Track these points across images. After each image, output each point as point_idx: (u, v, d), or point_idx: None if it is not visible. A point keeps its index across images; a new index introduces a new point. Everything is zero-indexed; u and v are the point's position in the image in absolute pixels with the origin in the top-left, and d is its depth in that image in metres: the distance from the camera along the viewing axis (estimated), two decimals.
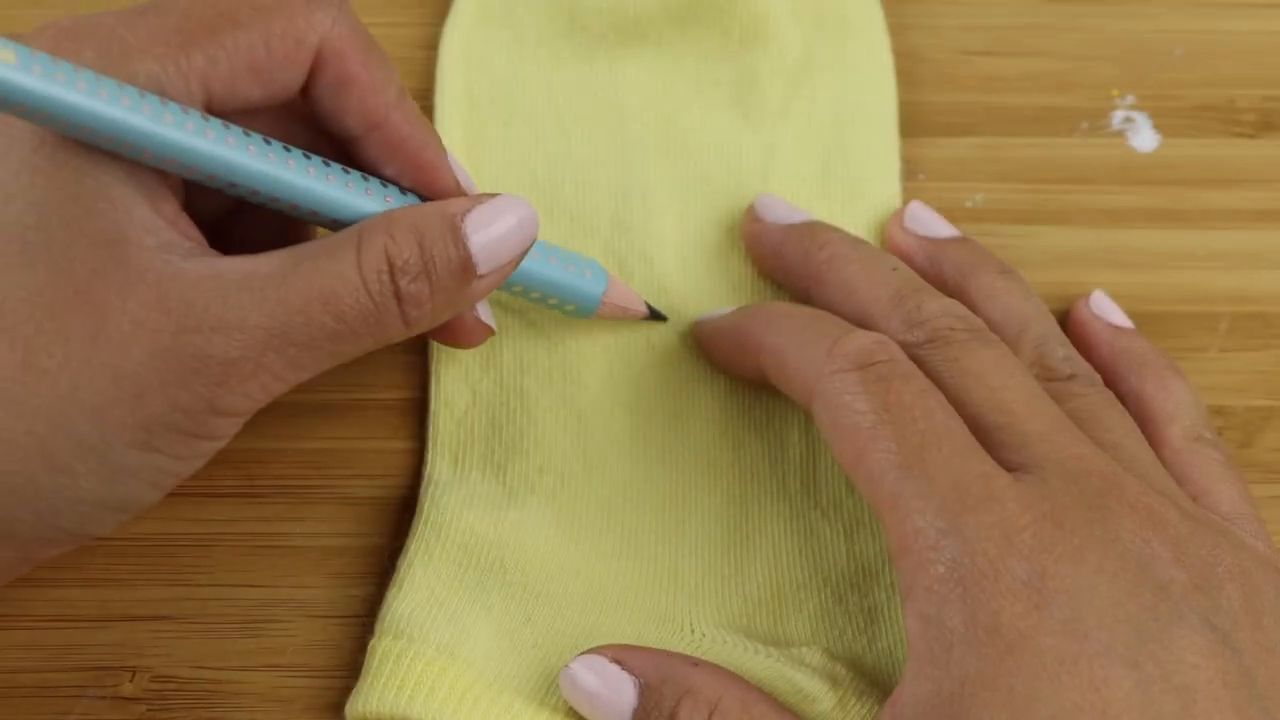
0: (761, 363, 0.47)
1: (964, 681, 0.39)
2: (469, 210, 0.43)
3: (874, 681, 0.44)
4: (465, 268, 0.42)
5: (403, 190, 0.44)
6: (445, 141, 0.52)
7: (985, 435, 0.43)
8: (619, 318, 0.49)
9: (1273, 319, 0.51)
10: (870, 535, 0.48)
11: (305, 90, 0.43)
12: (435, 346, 0.50)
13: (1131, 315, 0.50)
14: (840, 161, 0.52)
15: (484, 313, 0.46)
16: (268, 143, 0.42)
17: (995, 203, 0.53)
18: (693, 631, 0.46)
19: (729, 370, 0.49)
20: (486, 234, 0.43)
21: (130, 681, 0.46)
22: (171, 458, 0.40)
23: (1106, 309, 0.50)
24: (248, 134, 0.41)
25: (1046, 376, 0.46)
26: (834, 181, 0.52)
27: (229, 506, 0.48)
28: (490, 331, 0.46)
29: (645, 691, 0.43)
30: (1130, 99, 0.54)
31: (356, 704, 0.44)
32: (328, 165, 0.43)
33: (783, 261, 0.50)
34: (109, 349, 0.39)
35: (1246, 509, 0.45)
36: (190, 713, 0.45)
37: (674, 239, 0.51)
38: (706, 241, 0.51)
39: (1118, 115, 0.54)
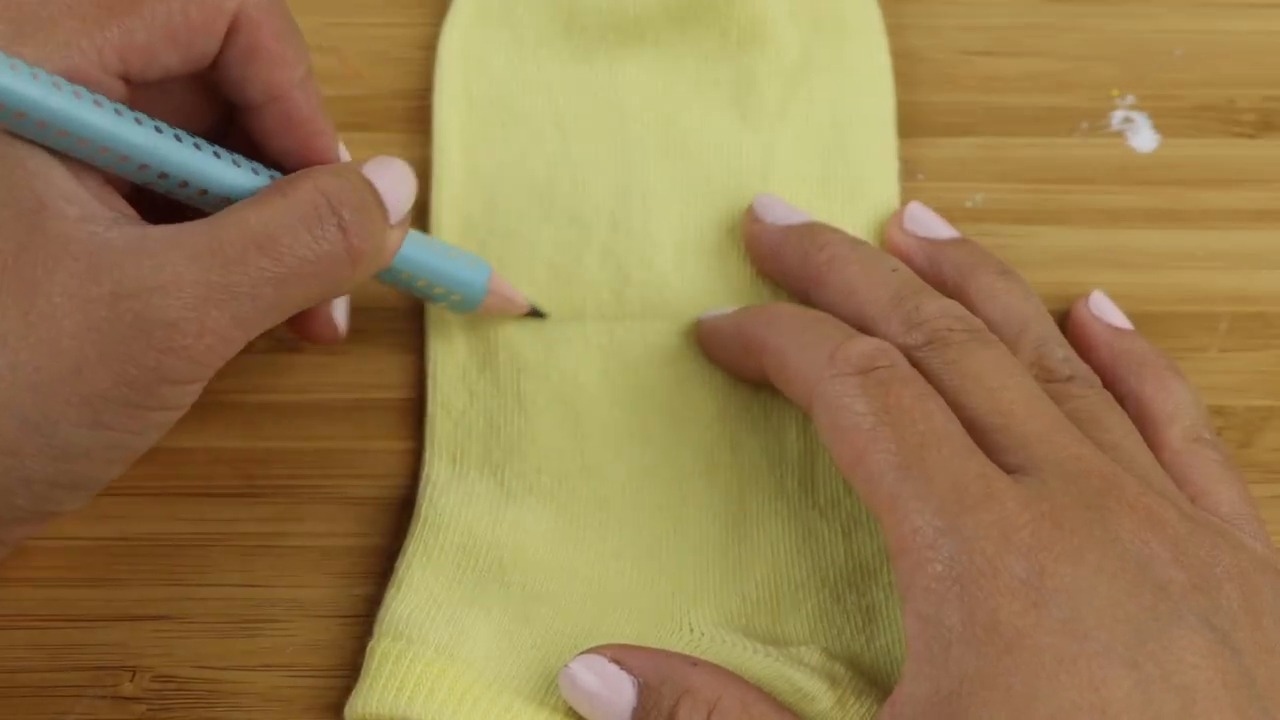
0: (763, 363, 0.47)
1: (962, 680, 0.39)
2: (363, 164, 0.43)
3: (872, 680, 0.45)
4: (384, 211, 0.43)
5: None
6: (445, 141, 0.52)
7: (985, 437, 0.43)
8: (504, 311, 0.49)
9: (1273, 319, 0.51)
10: (868, 534, 0.48)
11: (216, 59, 0.43)
12: (431, 346, 0.49)
13: (1131, 315, 0.50)
14: (839, 162, 0.52)
15: (339, 310, 0.47)
16: (155, 121, 0.41)
17: (995, 203, 0.53)
18: (691, 631, 0.46)
19: (730, 369, 0.49)
20: (384, 180, 0.43)
21: (130, 681, 0.46)
22: (123, 432, 0.40)
23: (1106, 310, 0.50)
24: (135, 112, 0.41)
25: (1045, 378, 0.46)
26: (833, 182, 0.52)
27: (229, 506, 0.48)
28: (338, 334, 0.46)
29: (644, 691, 0.43)
30: (1130, 99, 0.54)
31: (356, 705, 0.44)
32: (214, 145, 0.43)
33: (782, 262, 0.50)
34: (42, 324, 0.38)
35: (1246, 510, 0.45)
36: (190, 712, 0.45)
37: (672, 239, 0.51)
38: (705, 242, 0.51)
39: (1117, 115, 0.54)
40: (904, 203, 0.52)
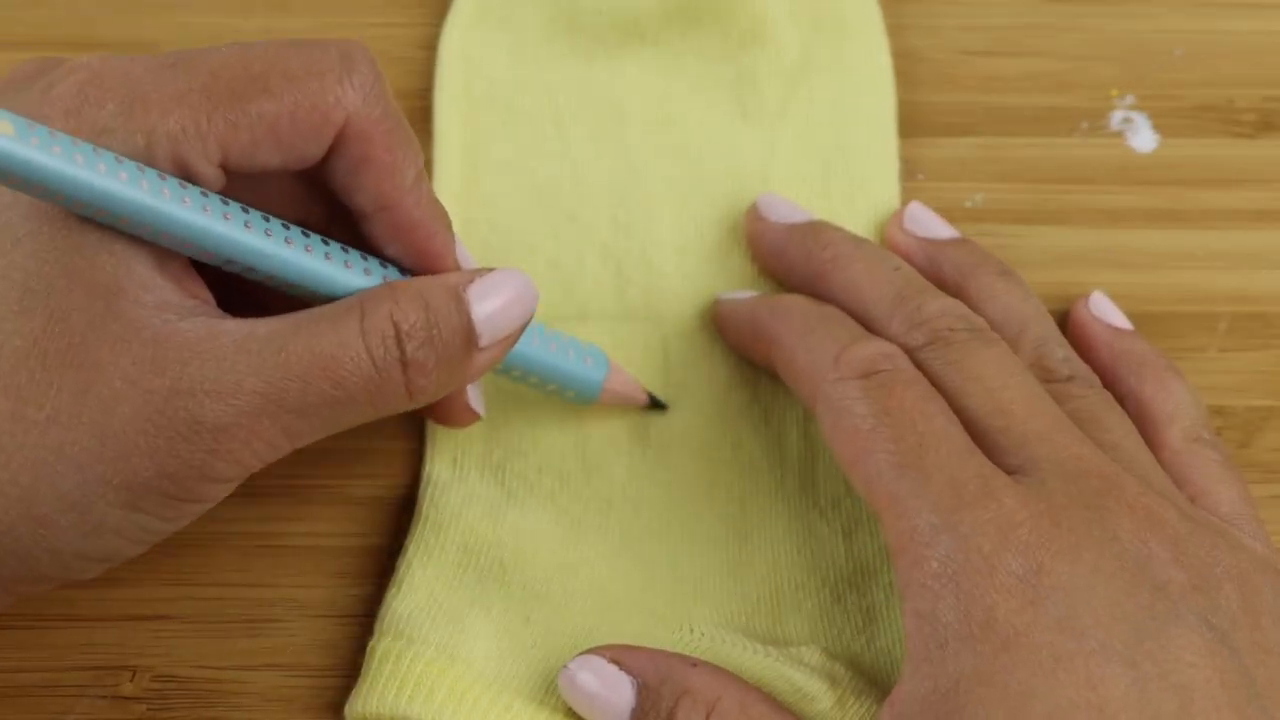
0: (771, 355, 0.47)
1: (960, 678, 0.39)
2: (471, 281, 0.42)
3: (873, 681, 0.44)
4: (469, 338, 0.42)
5: (402, 271, 0.43)
6: (445, 141, 0.52)
7: (985, 437, 0.43)
8: (621, 405, 0.49)
9: (1272, 319, 0.51)
10: (869, 535, 0.48)
11: (323, 160, 0.42)
12: None
13: (1131, 315, 0.50)
14: (839, 162, 0.52)
15: (474, 397, 0.46)
16: (266, 219, 0.41)
17: (995, 203, 0.53)
18: (691, 631, 0.46)
19: (741, 352, 0.50)
20: (488, 304, 0.42)
21: (130, 681, 0.46)
22: (156, 518, 0.40)
23: (1106, 310, 0.50)
24: (246, 210, 0.41)
25: (1045, 378, 0.46)
26: (833, 181, 0.52)
27: (229, 506, 0.47)
28: (477, 416, 0.46)
29: (644, 692, 0.43)
30: (1130, 99, 0.54)
31: (356, 704, 0.44)
32: (327, 244, 0.42)
33: (785, 260, 0.50)
34: (98, 406, 0.38)
35: (1245, 510, 0.45)
36: (190, 712, 0.45)
37: (673, 239, 0.51)
38: (705, 241, 0.51)
39: (1117, 115, 0.54)
40: (904, 203, 0.52)
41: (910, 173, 0.53)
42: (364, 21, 0.54)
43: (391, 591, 0.45)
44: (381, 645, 0.44)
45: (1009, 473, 0.42)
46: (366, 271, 0.42)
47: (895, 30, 0.54)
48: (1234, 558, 0.42)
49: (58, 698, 0.45)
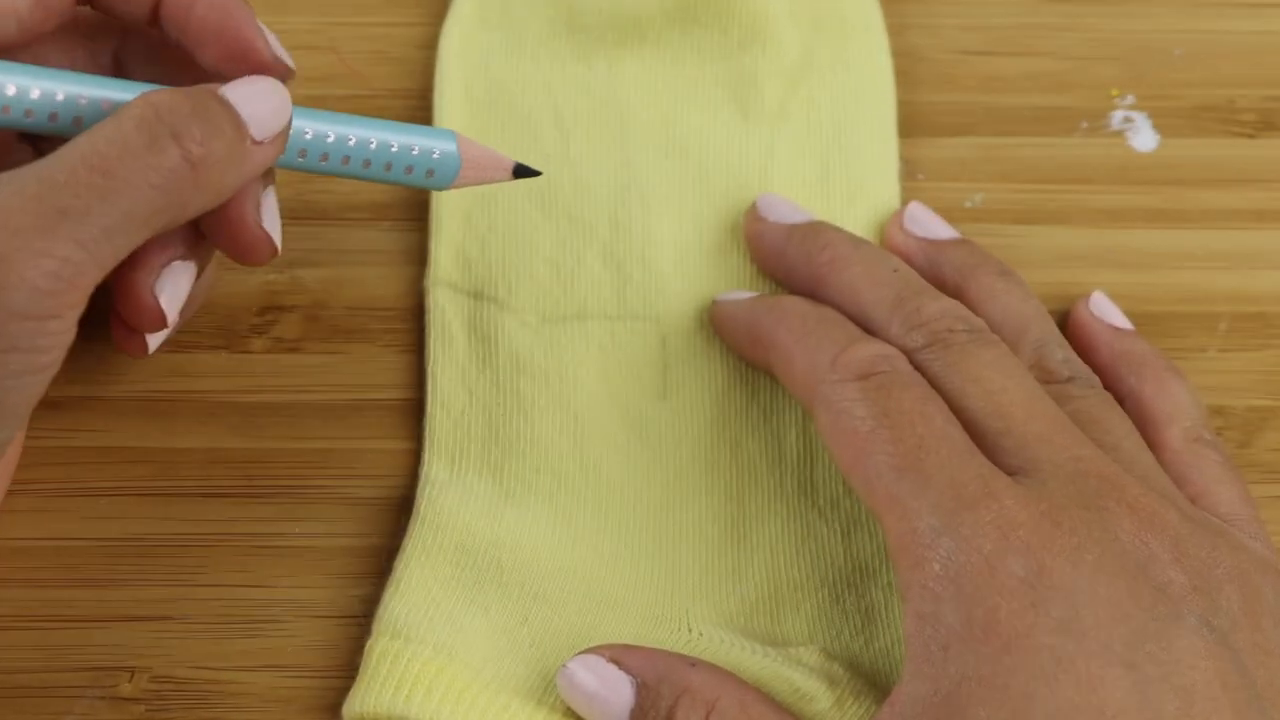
0: (769, 357, 0.47)
1: (961, 680, 0.39)
2: (221, 85, 0.42)
3: (871, 681, 0.44)
4: (236, 122, 0.42)
5: None
6: None
7: (985, 439, 0.43)
8: (486, 177, 0.47)
9: (1272, 319, 0.51)
10: (867, 535, 0.48)
11: None
12: (431, 346, 0.49)
13: (1131, 315, 0.50)
14: (839, 162, 0.52)
15: (269, 219, 0.44)
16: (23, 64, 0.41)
17: (994, 203, 0.53)
18: (690, 631, 0.46)
19: (739, 353, 0.50)
20: (242, 93, 0.42)
21: (129, 682, 0.46)
22: None
23: (1106, 310, 0.50)
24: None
25: (1045, 379, 0.46)
26: (833, 182, 0.52)
27: (229, 506, 0.48)
28: (274, 248, 0.44)
29: (642, 691, 0.43)
30: (1130, 99, 0.54)
31: (354, 704, 0.44)
32: (80, 74, 0.42)
33: (785, 261, 0.50)
34: None
35: (1246, 510, 0.45)
36: (189, 713, 0.45)
37: (672, 239, 0.51)
38: (705, 241, 0.51)
39: (1117, 115, 0.54)
40: (904, 203, 0.52)
41: (910, 173, 0.53)
42: (364, 21, 0.54)
43: (389, 591, 0.45)
44: (379, 645, 0.44)
45: (1009, 474, 0.42)
46: (129, 91, 0.42)
47: (895, 30, 0.54)
48: (1235, 558, 0.42)
49: (56, 698, 0.45)
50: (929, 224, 0.51)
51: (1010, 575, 0.40)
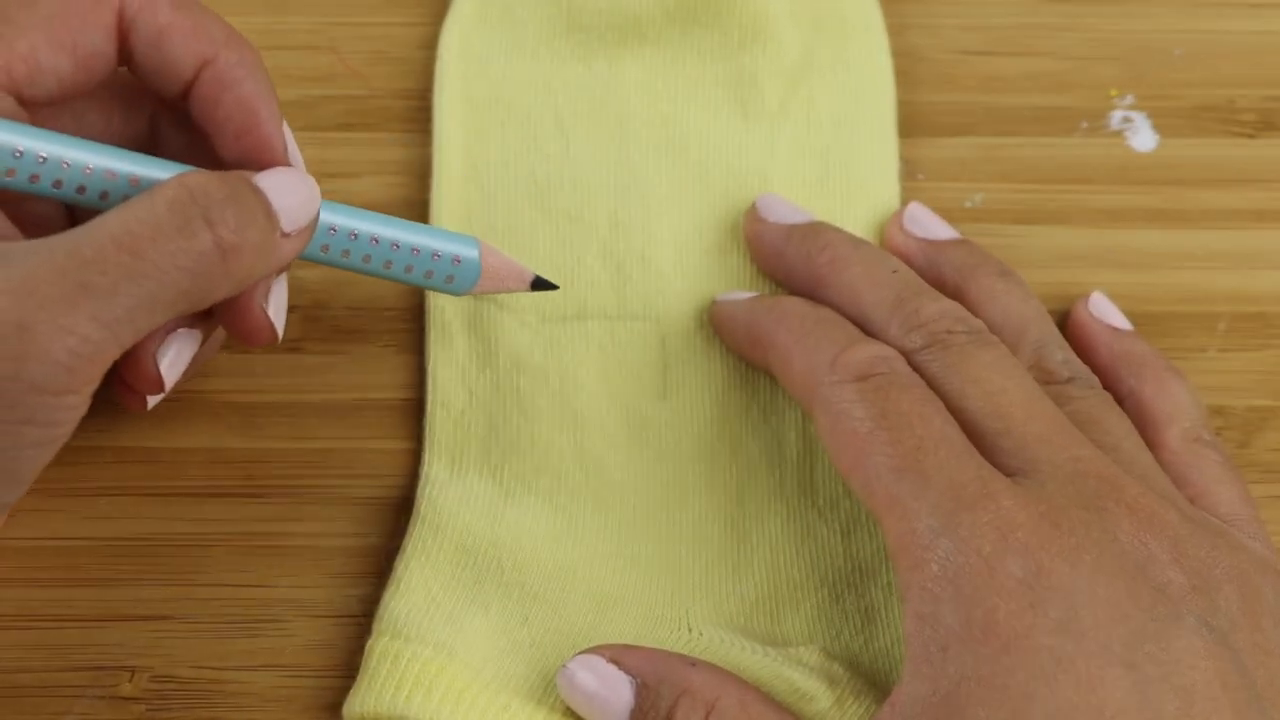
0: (768, 358, 0.47)
1: (960, 681, 0.39)
2: (254, 174, 0.42)
3: (871, 681, 0.45)
4: (269, 212, 0.41)
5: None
6: (445, 141, 0.52)
7: (984, 439, 0.43)
8: (505, 286, 0.48)
9: (1272, 319, 0.51)
10: (867, 535, 0.48)
11: (131, 61, 0.42)
12: (431, 346, 0.49)
13: (1130, 315, 0.50)
14: (839, 162, 0.52)
15: (275, 308, 0.44)
16: (60, 134, 0.41)
17: (994, 203, 0.53)
18: (690, 631, 0.46)
19: (739, 354, 0.50)
20: (275, 184, 0.42)
21: (129, 681, 0.46)
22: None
23: (1106, 311, 0.50)
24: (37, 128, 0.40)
25: (1045, 379, 0.46)
26: (833, 182, 0.52)
27: (229, 506, 0.48)
28: (275, 335, 0.44)
29: (642, 691, 0.43)
30: (1129, 99, 0.54)
31: (354, 704, 0.44)
32: (129, 153, 0.42)
33: (784, 261, 0.50)
34: None
35: (1245, 510, 0.45)
36: (189, 712, 0.45)
37: (673, 238, 0.51)
38: (705, 242, 0.51)
39: (1117, 115, 0.54)
40: (904, 203, 0.52)
41: (910, 173, 0.53)
42: (364, 21, 0.54)
43: (389, 591, 0.45)
44: (379, 645, 0.44)
45: (1008, 475, 0.42)
46: (167, 170, 0.42)
47: (895, 30, 0.54)
48: (1234, 558, 0.42)
49: (56, 698, 0.45)
50: (929, 224, 0.51)
51: (1009, 576, 0.40)
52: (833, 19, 0.54)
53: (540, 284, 0.48)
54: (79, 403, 0.39)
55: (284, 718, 0.45)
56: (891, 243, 0.51)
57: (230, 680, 0.46)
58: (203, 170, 0.41)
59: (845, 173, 0.52)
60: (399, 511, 0.48)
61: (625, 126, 0.52)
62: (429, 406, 0.49)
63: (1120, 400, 0.47)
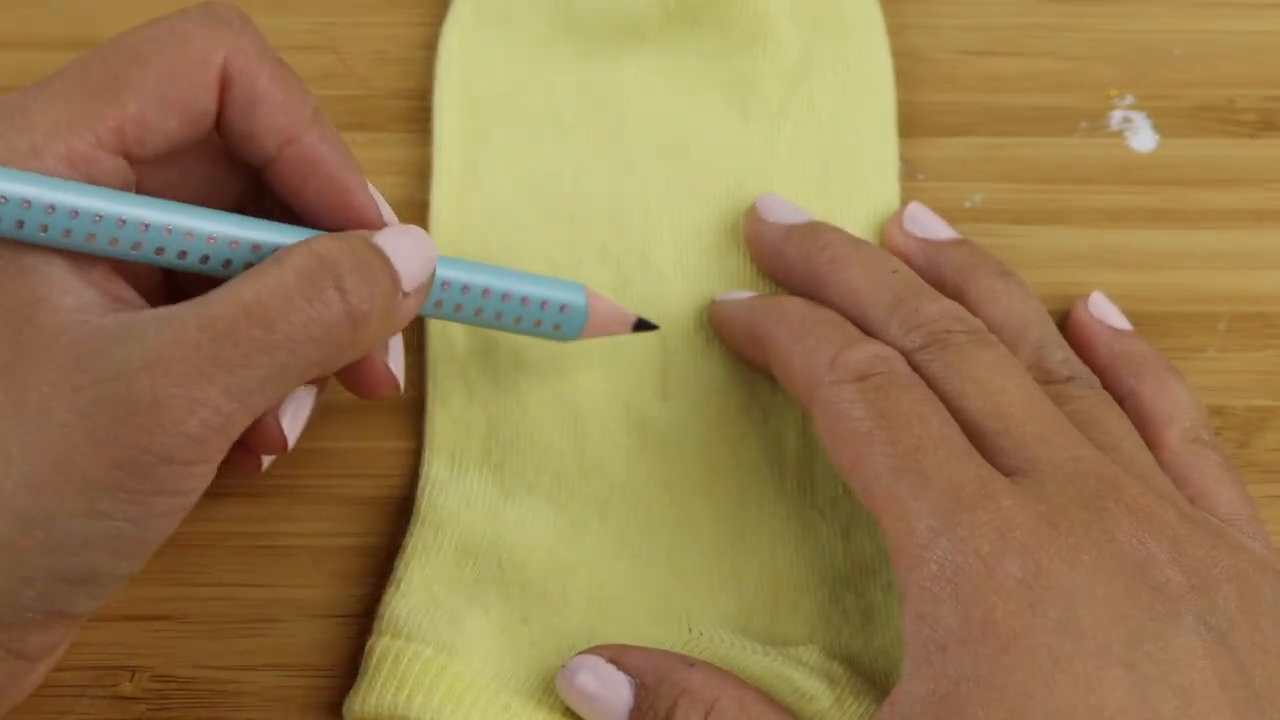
0: (768, 358, 0.47)
1: (959, 681, 0.39)
2: (374, 232, 0.42)
3: (871, 680, 0.45)
4: (394, 276, 0.42)
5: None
6: (445, 141, 0.52)
7: (984, 439, 0.43)
8: (609, 330, 0.48)
9: (1272, 319, 0.51)
10: (866, 534, 0.48)
11: (219, 121, 0.42)
12: (431, 345, 0.49)
13: (1130, 315, 0.50)
14: (839, 162, 0.52)
15: (395, 361, 0.45)
16: (169, 202, 0.41)
17: (994, 203, 0.53)
18: (690, 630, 0.46)
19: (738, 353, 0.50)
20: (398, 247, 0.42)
21: (130, 681, 0.46)
22: (124, 520, 0.38)
23: (1105, 311, 0.50)
24: (148, 198, 0.40)
25: (1045, 379, 0.46)
26: (833, 182, 0.52)
27: (229, 506, 0.48)
28: (398, 388, 0.45)
29: (642, 691, 0.43)
30: (1129, 99, 0.54)
31: (354, 704, 0.44)
32: (239, 218, 0.42)
33: (784, 261, 0.50)
34: (34, 418, 0.38)
35: (1245, 510, 0.45)
36: (190, 712, 0.45)
37: (673, 238, 0.51)
38: (705, 242, 0.51)
39: (1117, 115, 0.54)
40: (904, 203, 0.52)
41: (910, 173, 0.53)
42: (364, 21, 0.54)
43: (390, 591, 0.46)
44: (380, 644, 0.44)
45: (1008, 475, 0.42)
46: (283, 235, 0.42)
47: (895, 30, 0.54)
48: (1233, 558, 0.42)
49: (57, 698, 0.45)
50: (929, 224, 0.51)
51: (1008, 576, 0.40)
52: (833, 19, 0.54)
53: (641, 325, 0.48)
54: (207, 472, 0.39)
55: (284, 717, 0.45)
56: (891, 243, 0.51)
57: (231, 680, 0.46)
58: (328, 235, 0.41)
59: (845, 173, 0.52)
60: (399, 511, 0.48)
61: (625, 127, 0.52)
62: (429, 406, 0.49)
63: (1120, 400, 0.47)
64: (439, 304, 0.45)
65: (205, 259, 0.41)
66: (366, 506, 0.48)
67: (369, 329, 0.41)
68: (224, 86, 0.42)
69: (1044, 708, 0.39)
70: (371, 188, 0.44)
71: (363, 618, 0.46)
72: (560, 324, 0.46)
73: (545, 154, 0.52)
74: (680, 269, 0.51)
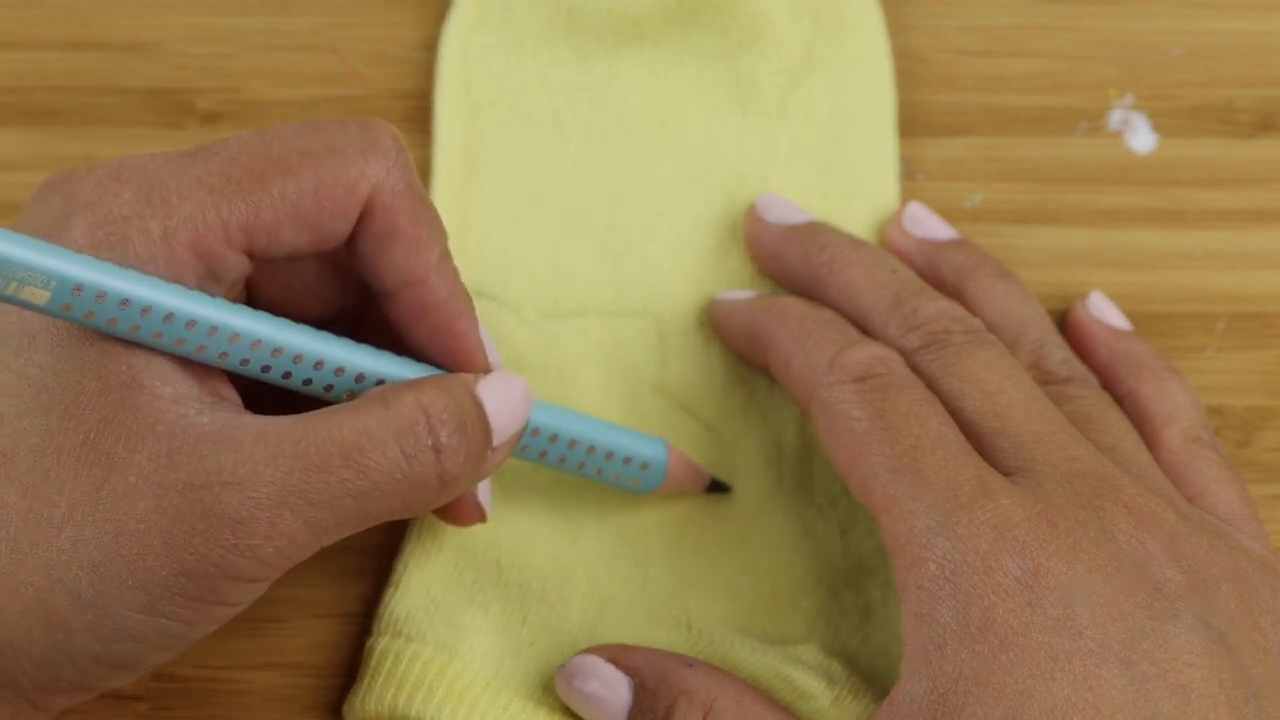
0: (767, 358, 0.47)
1: (958, 679, 0.39)
2: (478, 379, 0.42)
3: (870, 679, 0.45)
4: (488, 431, 0.41)
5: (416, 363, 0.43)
6: (445, 141, 0.52)
7: (982, 439, 0.43)
8: (684, 489, 0.48)
9: (1270, 319, 0.51)
10: (865, 533, 0.48)
11: (349, 241, 0.41)
12: None
13: (1129, 315, 0.50)
14: (839, 161, 0.53)
15: (484, 494, 0.45)
16: (281, 319, 0.40)
17: (994, 203, 0.53)
18: (689, 630, 0.46)
19: (738, 352, 0.50)
20: (497, 401, 0.42)
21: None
22: (178, 622, 0.38)
23: (1105, 311, 0.50)
24: (261, 313, 0.40)
25: (1044, 379, 0.46)
26: (832, 181, 0.52)
27: None
28: (484, 517, 0.44)
29: (641, 692, 0.43)
30: (1129, 99, 0.54)
31: (354, 704, 0.44)
32: (347, 343, 0.41)
33: (783, 261, 0.50)
34: (112, 503, 0.37)
35: (1244, 510, 0.45)
36: (191, 711, 0.46)
37: (672, 238, 0.51)
38: (704, 242, 0.51)
39: (1116, 115, 0.54)
40: (903, 203, 0.52)
41: (910, 173, 0.53)
42: (364, 21, 0.54)
43: (389, 593, 0.46)
44: (380, 644, 0.44)
45: (1006, 474, 0.42)
46: (388, 367, 0.41)
47: (895, 30, 0.54)
48: (1231, 558, 0.42)
49: None
50: (928, 224, 0.51)
51: (1006, 575, 0.40)
52: (832, 19, 0.54)
53: (715, 486, 0.48)
54: (264, 588, 0.39)
55: (284, 717, 0.46)
56: (891, 243, 0.51)
57: (231, 679, 0.46)
58: (435, 384, 0.41)
59: (845, 172, 0.53)
60: None
61: (625, 127, 0.53)
62: None
63: (1119, 400, 0.47)
64: (524, 449, 0.44)
65: (308, 382, 0.41)
66: None
67: (456, 488, 0.41)
68: (363, 216, 0.41)
69: (1042, 706, 0.39)
70: (483, 329, 0.43)
71: (363, 618, 0.46)
72: (638, 480, 0.47)
73: (545, 154, 0.52)
74: (680, 268, 0.51)
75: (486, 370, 0.43)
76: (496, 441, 0.41)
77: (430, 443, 0.40)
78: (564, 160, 0.52)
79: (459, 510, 0.44)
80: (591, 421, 0.46)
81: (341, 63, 0.54)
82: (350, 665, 0.46)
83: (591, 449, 0.45)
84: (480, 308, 0.50)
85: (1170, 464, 0.46)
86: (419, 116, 0.53)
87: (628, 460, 0.46)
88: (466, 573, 0.46)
